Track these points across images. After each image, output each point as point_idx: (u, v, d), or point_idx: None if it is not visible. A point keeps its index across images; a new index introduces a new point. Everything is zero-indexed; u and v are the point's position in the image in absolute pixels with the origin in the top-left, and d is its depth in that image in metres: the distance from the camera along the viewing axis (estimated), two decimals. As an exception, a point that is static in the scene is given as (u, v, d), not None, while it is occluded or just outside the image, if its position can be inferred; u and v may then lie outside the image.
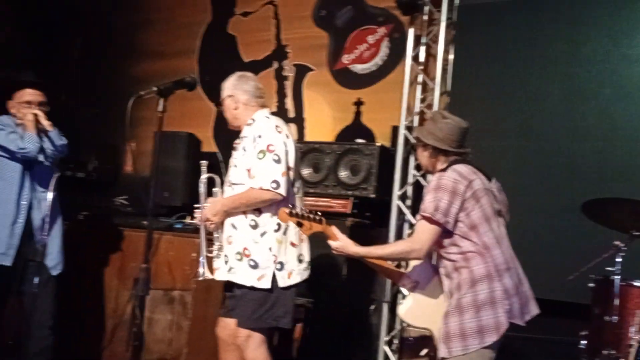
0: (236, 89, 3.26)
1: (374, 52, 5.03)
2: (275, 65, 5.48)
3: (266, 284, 3.03)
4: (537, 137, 4.06)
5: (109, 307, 3.82)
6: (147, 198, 2.54)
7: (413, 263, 2.90)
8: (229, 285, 3.14)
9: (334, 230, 2.77)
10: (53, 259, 3.44)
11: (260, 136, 3.08)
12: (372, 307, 4.49)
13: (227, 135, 5.84)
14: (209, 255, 3.09)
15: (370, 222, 4.48)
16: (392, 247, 2.89)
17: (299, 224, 2.74)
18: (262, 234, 3.07)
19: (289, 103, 5.40)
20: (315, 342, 4.22)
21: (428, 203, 2.63)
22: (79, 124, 6.15)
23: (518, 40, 4.21)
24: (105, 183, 5.91)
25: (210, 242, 3.17)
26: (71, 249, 3.53)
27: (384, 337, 4.32)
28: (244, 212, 3.07)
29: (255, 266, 3.04)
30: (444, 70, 4.48)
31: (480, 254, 2.62)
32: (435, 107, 4.37)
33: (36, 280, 3.08)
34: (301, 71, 5.36)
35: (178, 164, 5.12)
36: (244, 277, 3.05)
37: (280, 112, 5.39)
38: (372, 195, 4.34)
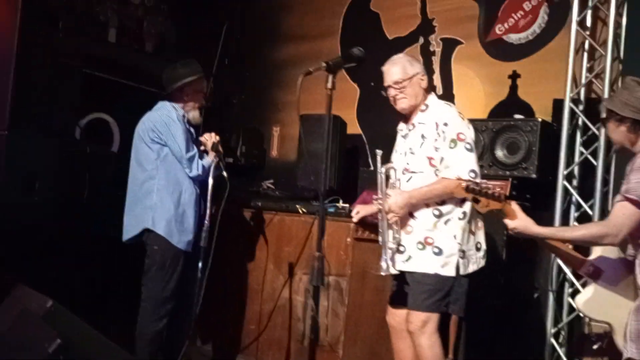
0: (424, 70, 3.16)
1: (531, 20, 4.62)
2: (421, 40, 5.23)
3: (450, 271, 2.95)
4: None
5: (265, 291, 3.82)
6: (317, 182, 2.42)
7: (599, 250, 2.59)
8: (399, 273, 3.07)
9: (514, 207, 2.55)
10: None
11: (446, 124, 2.98)
12: (536, 295, 4.17)
13: (371, 117, 5.75)
14: (389, 249, 2.98)
15: (531, 204, 4.13)
16: (581, 230, 2.59)
17: (475, 200, 2.54)
18: (446, 222, 2.99)
19: (437, 79, 5.13)
20: (473, 332, 3.99)
21: (635, 184, 2.31)
22: (227, 110, 6.31)
23: None
24: (252, 167, 6.01)
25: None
26: (224, 234, 3.55)
27: (550, 330, 3.99)
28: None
29: (439, 253, 2.96)
30: (616, 34, 4.00)
31: None
32: (607, 76, 3.93)
33: (200, 265, 3.13)
34: (449, 45, 5.07)
35: (323, 146, 5.04)
36: (427, 264, 2.97)
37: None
38: (534, 175, 3.99)
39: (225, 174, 3.38)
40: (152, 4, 6.28)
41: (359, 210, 3.31)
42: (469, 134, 3.01)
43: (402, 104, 3.13)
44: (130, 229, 3.52)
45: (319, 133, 5.10)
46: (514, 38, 4.72)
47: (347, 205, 3.62)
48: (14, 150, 3.24)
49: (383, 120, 5.49)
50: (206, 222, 3.17)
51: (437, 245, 2.97)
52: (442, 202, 2.98)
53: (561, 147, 4.08)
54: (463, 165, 2.92)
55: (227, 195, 3.31)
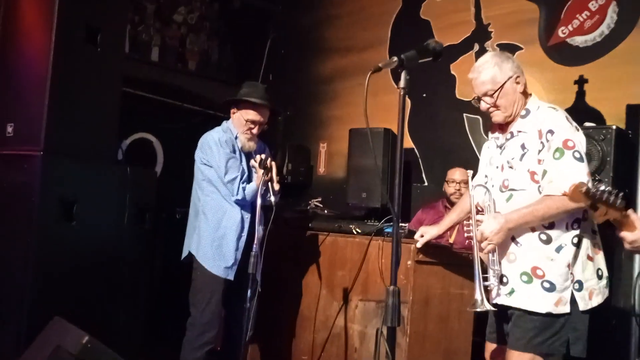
0: (519, 69, 2.68)
1: (599, 21, 4.27)
2: (476, 47, 4.93)
3: (565, 308, 2.51)
4: None
5: (318, 319, 3.53)
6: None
7: None
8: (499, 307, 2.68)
9: (633, 217, 2.15)
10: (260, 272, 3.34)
11: (551, 131, 2.51)
12: (614, 322, 3.76)
13: (423, 130, 5.46)
14: (485, 283, 2.61)
15: (606, 220, 3.76)
16: None
17: (593, 207, 2.13)
18: (558, 249, 2.53)
19: (495, 88, 4.81)
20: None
21: None
22: (272, 127, 6.11)
23: None
24: (299, 185, 5.79)
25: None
26: (272, 257, 3.31)
27: (635, 359, 3.59)
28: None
29: (551, 289, 2.51)
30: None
31: None
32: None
33: (249, 293, 2.87)
34: (508, 51, 4.73)
35: (378, 161, 4.78)
36: (536, 302, 2.53)
37: (485, 99, 4.84)
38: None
39: (273, 198, 3.10)
40: (194, 22, 6.16)
41: (423, 234, 2.99)
42: (579, 140, 2.52)
43: (496, 118, 2.69)
44: (184, 250, 3.42)
45: (369, 148, 4.87)
46: (579, 41, 4.37)
47: (405, 225, 3.31)
48: (50, 173, 3.04)
49: (437, 133, 5.22)
50: (255, 246, 2.91)
51: (549, 280, 2.52)
52: (551, 225, 2.53)
53: (640, 156, 3.70)
54: (571, 178, 2.38)
55: (272, 217, 3.05)
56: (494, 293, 2.65)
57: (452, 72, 5.07)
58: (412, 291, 3.07)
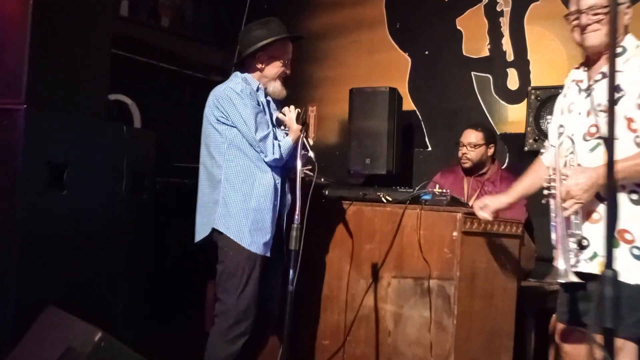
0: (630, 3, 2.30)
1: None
2: (485, 0, 4.57)
3: None
4: None
5: (342, 299, 3.12)
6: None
7: None
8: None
9: None
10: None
11: None
12: None
13: (426, 91, 5.08)
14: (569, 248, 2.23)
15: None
16: None
17: None
18: None
19: (507, 44, 4.47)
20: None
21: None
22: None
23: None
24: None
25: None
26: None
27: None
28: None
29: None
30: None
31: None
32: None
33: (291, 274, 2.44)
34: (521, 3, 4.40)
35: (380, 124, 4.39)
36: (623, 269, 2.08)
37: (497, 56, 4.49)
38: None
39: (311, 154, 2.73)
40: (166, -26, 5.59)
41: (485, 205, 2.60)
42: None
43: (593, 39, 2.28)
44: (200, 229, 2.92)
45: (373, 109, 4.47)
46: (603, -10, 4.05)
47: (446, 191, 2.92)
48: (36, 131, 2.52)
49: (441, 93, 4.85)
50: (296, 217, 2.47)
51: (639, 246, 2.19)
52: None
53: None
54: None
55: (314, 181, 2.65)
56: (572, 261, 2.26)
57: (458, 27, 4.70)
58: (458, 266, 2.71)
